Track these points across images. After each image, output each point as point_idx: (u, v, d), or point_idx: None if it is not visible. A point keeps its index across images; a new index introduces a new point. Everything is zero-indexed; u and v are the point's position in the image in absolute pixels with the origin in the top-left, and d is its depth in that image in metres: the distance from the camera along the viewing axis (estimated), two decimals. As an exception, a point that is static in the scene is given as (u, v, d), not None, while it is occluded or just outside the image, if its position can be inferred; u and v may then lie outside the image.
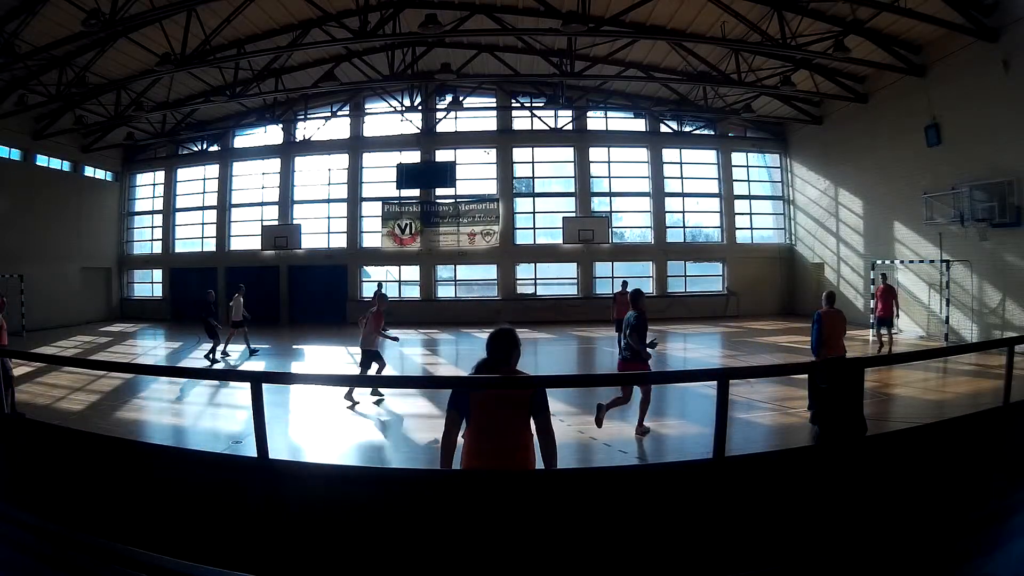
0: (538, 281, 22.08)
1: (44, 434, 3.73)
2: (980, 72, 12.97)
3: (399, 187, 21.66)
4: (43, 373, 10.42)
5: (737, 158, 22.60)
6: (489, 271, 22.22)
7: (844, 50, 13.27)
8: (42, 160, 19.87)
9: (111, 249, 23.43)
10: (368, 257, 22.39)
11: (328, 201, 22.74)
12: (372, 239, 22.33)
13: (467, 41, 17.28)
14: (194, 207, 23.68)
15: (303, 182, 23.01)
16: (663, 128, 22.11)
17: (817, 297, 20.63)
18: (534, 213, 22.39)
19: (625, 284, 14.67)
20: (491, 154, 22.17)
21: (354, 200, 22.48)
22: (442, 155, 22.13)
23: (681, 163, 22.43)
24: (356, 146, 22.48)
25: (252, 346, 13.54)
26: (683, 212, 22.67)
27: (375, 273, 22.66)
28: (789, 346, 14.41)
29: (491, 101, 21.77)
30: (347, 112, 22.08)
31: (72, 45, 14.03)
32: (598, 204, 22.50)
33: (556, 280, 22.16)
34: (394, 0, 13.87)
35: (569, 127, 21.66)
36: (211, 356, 12.52)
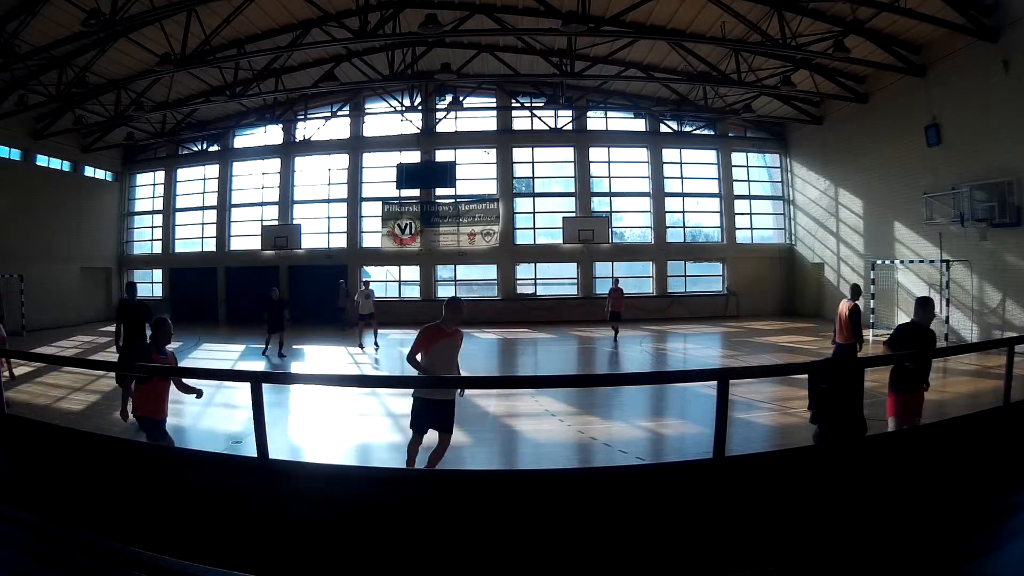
0: (538, 281, 22.08)
1: (44, 434, 3.73)
2: (980, 72, 12.96)
3: (399, 187, 21.66)
4: (43, 373, 10.42)
5: (737, 158, 22.58)
6: (489, 271, 22.21)
7: (844, 50, 13.26)
8: (42, 160, 19.85)
9: (111, 249, 23.43)
10: (368, 257, 22.39)
11: (328, 201, 22.73)
12: (372, 239, 22.33)
13: (467, 41, 17.27)
14: (194, 207, 23.66)
15: (303, 182, 23.00)
16: (663, 128, 22.09)
17: (817, 297, 20.73)
18: (534, 213, 22.38)
19: (616, 281, 16.57)
20: (491, 154, 22.16)
21: (354, 200, 22.47)
22: (442, 155, 22.13)
23: (681, 163, 22.41)
24: (356, 146, 22.48)
25: (374, 340, 14.62)
26: (683, 212, 22.65)
27: (376, 273, 22.68)
28: (789, 346, 14.41)
29: (491, 101, 21.76)
30: (347, 112, 22.07)
31: (72, 45, 14.02)
32: (598, 204, 22.49)
33: (556, 280, 22.17)
34: (394, 0, 13.87)
35: (569, 127, 21.65)
36: (269, 350, 13.16)
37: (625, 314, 16.17)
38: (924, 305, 5.09)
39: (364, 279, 16.68)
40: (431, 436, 4.98)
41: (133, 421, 7.27)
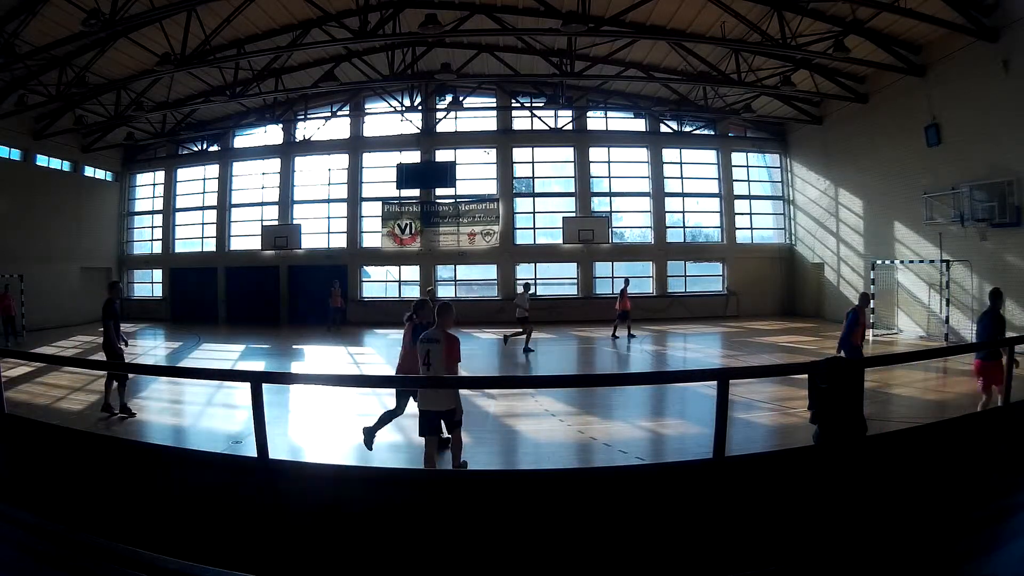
0: (538, 281, 22.07)
1: (44, 434, 3.73)
2: (980, 72, 12.96)
3: (399, 187, 21.66)
4: (43, 373, 10.41)
5: (737, 158, 22.57)
6: (489, 271, 22.21)
7: (844, 50, 13.26)
8: (42, 160, 19.85)
9: (111, 249, 23.43)
10: (368, 257, 22.40)
11: (328, 201, 22.73)
12: (372, 239, 22.33)
13: (467, 41, 17.27)
14: (194, 207, 23.67)
15: (303, 182, 23.00)
16: (663, 128, 22.09)
17: (817, 297, 20.72)
18: (534, 213, 22.38)
19: (627, 281, 17.25)
20: (491, 154, 22.16)
21: (354, 200, 22.48)
22: (442, 155, 22.13)
23: (681, 163, 22.41)
24: (356, 146, 22.48)
25: (525, 344, 13.80)
26: (683, 212, 22.65)
27: (375, 273, 22.69)
28: (789, 346, 14.40)
29: (491, 101, 21.75)
30: (347, 112, 22.07)
31: (72, 45, 14.01)
32: (598, 204, 22.48)
33: (556, 280, 22.16)
34: (394, 0, 13.87)
35: (569, 127, 21.65)
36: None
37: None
38: (1000, 296, 6.83)
39: (525, 281, 15.80)
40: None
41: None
